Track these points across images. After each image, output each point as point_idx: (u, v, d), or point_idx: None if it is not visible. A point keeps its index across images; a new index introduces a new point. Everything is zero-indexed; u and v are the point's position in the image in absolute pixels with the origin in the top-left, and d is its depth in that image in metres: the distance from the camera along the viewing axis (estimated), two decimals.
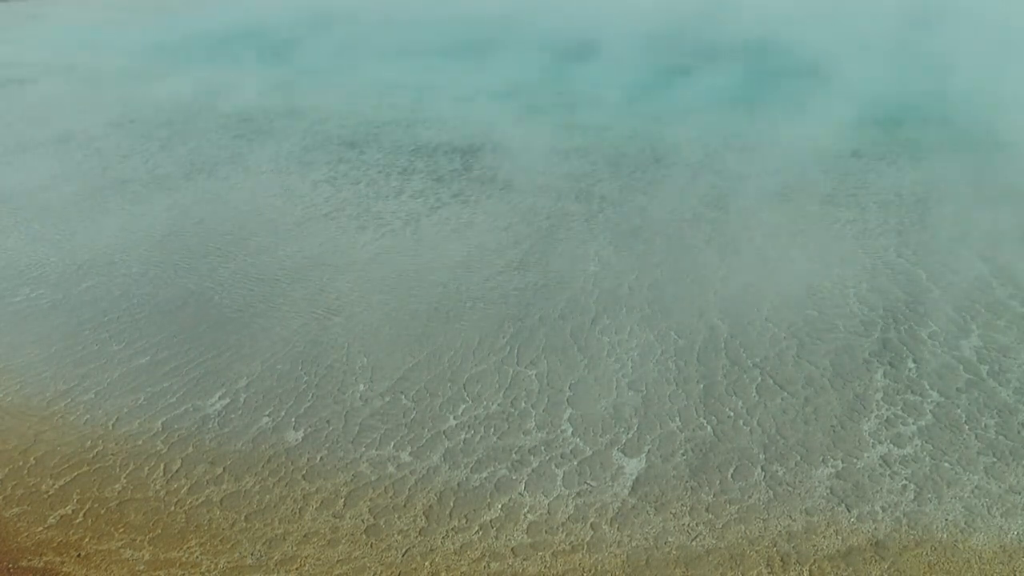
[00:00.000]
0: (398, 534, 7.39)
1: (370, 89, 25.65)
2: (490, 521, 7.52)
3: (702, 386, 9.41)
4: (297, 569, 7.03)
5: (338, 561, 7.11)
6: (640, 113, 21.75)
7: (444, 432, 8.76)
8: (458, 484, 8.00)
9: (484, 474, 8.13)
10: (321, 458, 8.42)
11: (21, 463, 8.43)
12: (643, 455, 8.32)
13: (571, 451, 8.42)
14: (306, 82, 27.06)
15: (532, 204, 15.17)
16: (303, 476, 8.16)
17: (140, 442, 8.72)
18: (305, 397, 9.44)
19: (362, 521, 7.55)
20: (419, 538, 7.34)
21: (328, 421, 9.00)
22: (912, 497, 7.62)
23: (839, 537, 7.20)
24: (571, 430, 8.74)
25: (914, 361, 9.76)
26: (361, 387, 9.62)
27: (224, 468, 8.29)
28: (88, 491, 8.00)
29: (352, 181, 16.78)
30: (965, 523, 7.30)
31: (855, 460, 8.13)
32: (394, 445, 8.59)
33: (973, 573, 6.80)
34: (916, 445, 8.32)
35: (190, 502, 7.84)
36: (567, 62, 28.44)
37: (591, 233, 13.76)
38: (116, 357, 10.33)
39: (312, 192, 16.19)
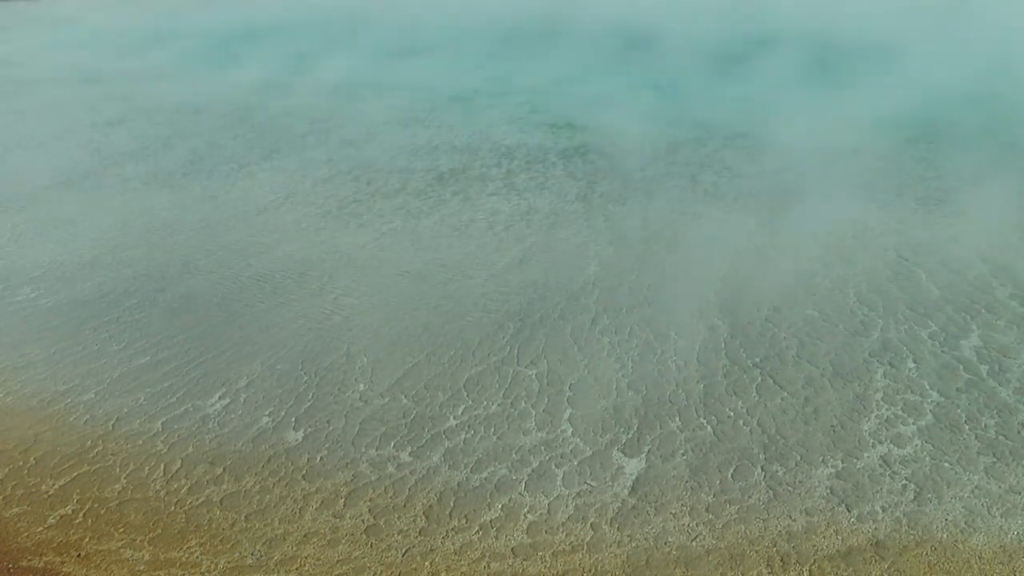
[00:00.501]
0: (398, 534, 7.39)
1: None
2: (490, 521, 7.52)
3: (702, 386, 9.41)
4: (297, 569, 7.03)
5: (338, 561, 7.11)
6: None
7: (444, 432, 8.76)
8: (458, 484, 8.00)
9: (484, 474, 8.13)
10: (321, 458, 8.42)
11: (21, 463, 8.43)
12: (643, 455, 8.32)
13: (571, 451, 8.42)
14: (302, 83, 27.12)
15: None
16: (303, 476, 8.16)
17: (140, 442, 8.72)
18: (305, 397, 9.44)
19: (362, 521, 7.55)
20: (419, 538, 7.34)
21: (328, 421, 9.00)
22: (912, 497, 7.61)
23: (839, 537, 7.19)
24: (571, 430, 8.74)
25: (914, 361, 9.76)
26: (361, 387, 9.62)
27: (224, 468, 8.29)
28: (88, 491, 8.00)
29: (352, 178, 16.79)
30: (965, 523, 7.30)
31: (855, 460, 8.13)
32: (394, 445, 8.59)
33: (973, 573, 6.80)
34: (916, 445, 8.32)
35: (190, 502, 7.84)
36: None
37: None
38: (116, 357, 10.33)
39: (312, 191, 16.21)
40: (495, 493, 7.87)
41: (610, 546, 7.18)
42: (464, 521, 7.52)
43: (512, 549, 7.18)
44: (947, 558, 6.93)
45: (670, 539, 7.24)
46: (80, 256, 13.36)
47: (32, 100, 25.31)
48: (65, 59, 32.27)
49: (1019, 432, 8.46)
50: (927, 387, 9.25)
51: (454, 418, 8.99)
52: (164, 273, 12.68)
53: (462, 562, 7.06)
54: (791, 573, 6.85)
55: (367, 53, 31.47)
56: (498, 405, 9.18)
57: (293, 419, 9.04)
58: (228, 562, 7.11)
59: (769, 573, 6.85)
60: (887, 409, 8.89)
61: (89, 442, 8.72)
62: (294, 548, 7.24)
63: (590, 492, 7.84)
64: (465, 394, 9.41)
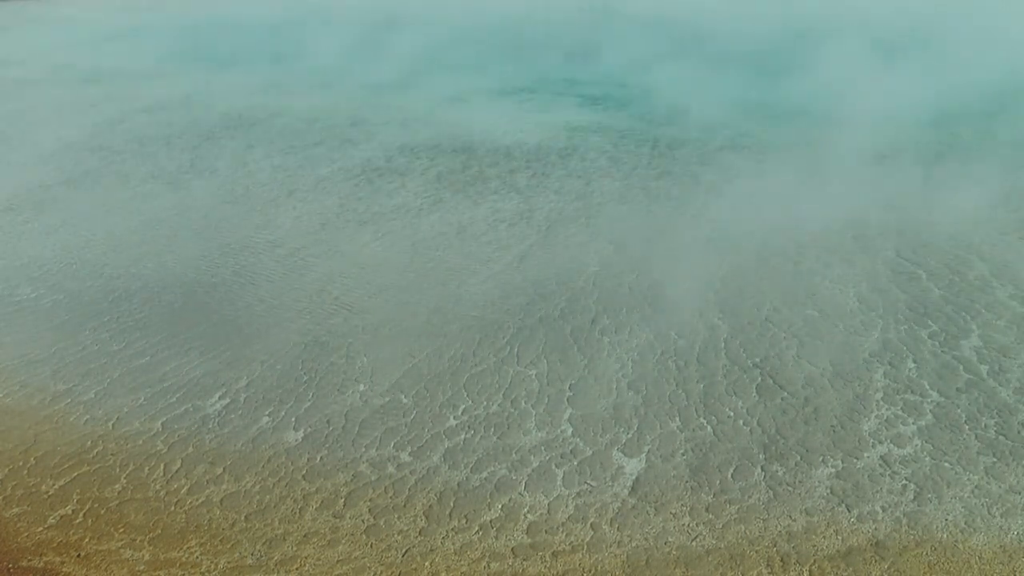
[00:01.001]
0: (398, 534, 7.39)
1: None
2: (490, 521, 7.52)
3: (702, 386, 9.41)
4: (297, 569, 7.03)
5: (338, 561, 7.11)
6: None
7: (444, 432, 8.76)
8: (458, 484, 8.00)
9: (484, 474, 8.13)
10: (321, 458, 8.42)
11: (21, 463, 8.43)
12: (643, 455, 8.32)
13: (571, 451, 8.42)
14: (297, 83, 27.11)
15: None
16: (303, 476, 8.16)
17: (140, 442, 8.72)
18: (305, 397, 9.44)
19: (362, 521, 7.55)
20: (419, 538, 7.34)
21: (328, 421, 9.00)
22: (912, 497, 7.61)
23: (839, 537, 7.19)
24: (571, 430, 8.73)
25: (914, 361, 9.76)
26: (361, 387, 9.62)
27: (224, 468, 8.29)
28: (88, 491, 8.00)
29: (350, 176, 16.79)
30: (965, 523, 7.30)
31: (855, 460, 8.13)
32: (394, 445, 8.59)
33: (973, 573, 6.80)
34: (916, 445, 8.31)
35: (190, 502, 7.84)
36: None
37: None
38: (116, 357, 10.33)
39: (313, 189, 16.20)
40: (495, 493, 7.87)
41: (610, 546, 7.18)
42: (464, 521, 7.52)
43: (512, 549, 7.18)
44: (947, 558, 6.93)
45: (670, 539, 7.24)
46: (80, 256, 13.36)
47: (32, 100, 25.32)
48: (65, 59, 32.28)
49: (1019, 432, 8.46)
50: (927, 387, 9.25)
51: (454, 418, 8.99)
52: (164, 273, 12.68)
53: (462, 562, 7.06)
54: (791, 573, 6.85)
55: (386, 58, 31.39)
56: (498, 405, 9.18)
57: (293, 419, 9.04)
58: (228, 562, 7.11)
59: (769, 573, 6.85)
60: (887, 409, 8.89)
61: (89, 442, 8.72)
62: (294, 548, 7.25)
63: (590, 492, 7.84)
64: (465, 394, 9.41)
